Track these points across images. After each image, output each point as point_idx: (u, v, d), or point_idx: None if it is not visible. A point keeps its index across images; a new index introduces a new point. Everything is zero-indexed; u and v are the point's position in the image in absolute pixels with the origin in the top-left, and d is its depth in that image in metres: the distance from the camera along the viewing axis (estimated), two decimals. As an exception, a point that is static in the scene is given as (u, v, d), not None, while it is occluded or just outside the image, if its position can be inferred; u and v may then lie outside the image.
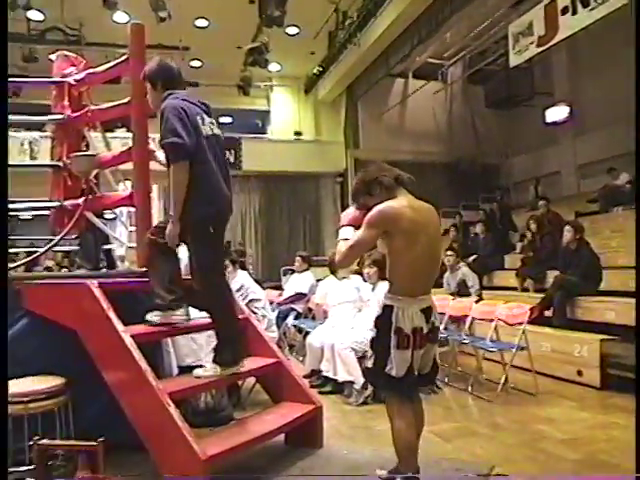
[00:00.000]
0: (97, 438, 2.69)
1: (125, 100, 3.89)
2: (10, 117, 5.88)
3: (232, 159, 14.81)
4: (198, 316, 4.11)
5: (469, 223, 11.22)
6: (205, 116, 3.25)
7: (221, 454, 2.83)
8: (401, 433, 2.67)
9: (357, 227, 2.74)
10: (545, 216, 8.45)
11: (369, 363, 2.80)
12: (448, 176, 14.47)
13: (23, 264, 3.73)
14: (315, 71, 14.39)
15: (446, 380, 5.42)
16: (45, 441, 2.78)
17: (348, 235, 2.77)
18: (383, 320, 2.66)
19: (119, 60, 3.99)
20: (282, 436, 3.59)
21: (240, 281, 5.06)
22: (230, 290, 3.49)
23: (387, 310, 2.66)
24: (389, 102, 14.30)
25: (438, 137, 14.72)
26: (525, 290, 7.74)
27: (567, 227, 6.49)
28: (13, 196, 4.76)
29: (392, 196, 2.72)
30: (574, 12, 6.87)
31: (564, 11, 7.04)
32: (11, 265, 3.62)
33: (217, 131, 3.32)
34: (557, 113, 12.39)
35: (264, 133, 16.48)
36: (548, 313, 6.28)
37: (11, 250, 6.84)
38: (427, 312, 2.68)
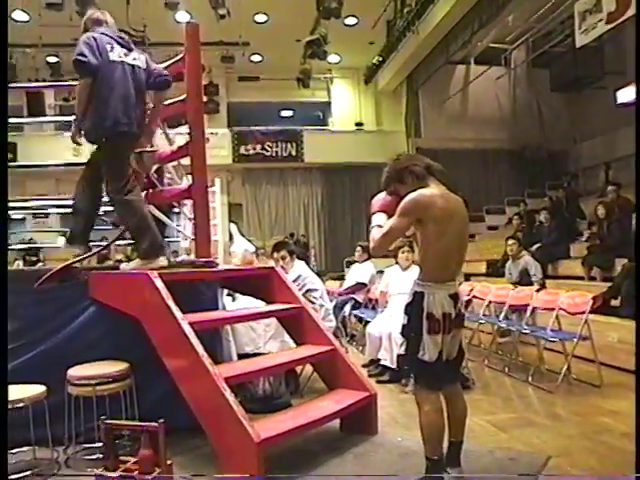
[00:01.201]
0: (159, 420, 2.86)
1: (182, 97, 4.03)
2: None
3: (294, 152, 15.02)
4: (254, 305, 4.26)
5: (534, 211, 10.89)
6: (117, 45, 3.73)
7: (274, 437, 2.92)
8: (429, 418, 2.70)
9: (389, 213, 2.77)
10: (615, 202, 8.10)
11: (402, 350, 2.84)
12: (512, 163, 14.11)
13: (86, 257, 3.95)
14: (374, 61, 14.31)
15: (506, 370, 5.34)
16: (111, 421, 2.98)
17: (381, 221, 2.80)
18: (414, 306, 2.71)
19: (176, 59, 4.14)
20: (337, 423, 3.67)
21: (297, 271, 5.15)
22: (140, 198, 3.87)
23: (418, 296, 2.71)
24: (450, 90, 14.07)
25: (502, 124, 14.36)
26: (592, 279, 7.46)
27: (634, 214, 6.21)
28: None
29: (423, 185, 2.76)
30: (648, -17, 6.51)
31: (638, -17, 6.67)
32: (77, 258, 3.84)
33: (136, 62, 3.81)
34: (629, 93, 11.78)
35: (325, 125, 16.57)
36: (615, 302, 6.04)
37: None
38: (455, 298, 2.73)
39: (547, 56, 12.84)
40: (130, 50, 3.81)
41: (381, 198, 2.92)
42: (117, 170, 3.74)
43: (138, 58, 3.85)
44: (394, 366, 5.01)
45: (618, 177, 11.10)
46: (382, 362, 5.21)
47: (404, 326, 2.82)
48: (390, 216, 2.75)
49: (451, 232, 2.69)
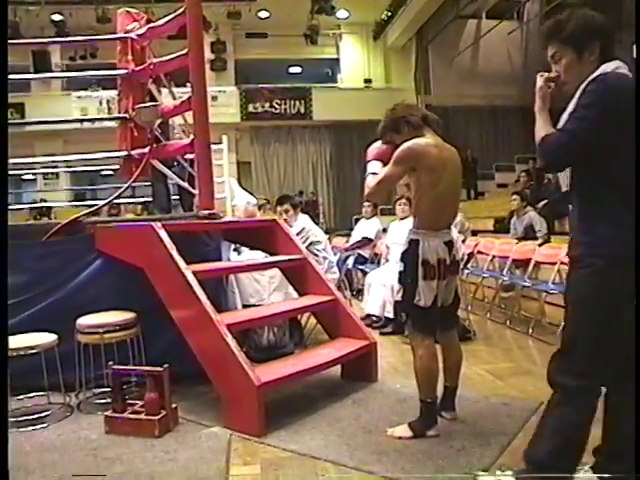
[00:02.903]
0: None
1: (183, 52, 4.03)
2: (82, 74, 6.19)
3: (302, 109, 14.92)
4: (258, 256, 4.34)
5: (543, 168, 10.81)
6: None
7: (274, 381, 3.02)
8: (423, 362, 2.79)
9: (384, 162, 2.81)
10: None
11: (398, 296, 2.91)
12: (523, 120, 13.90)
13: (90, 212, 4.03)
14: (383, 16, 14.09)
15: (508, 323, 5.42)
16: (118, 366, 3.11)
17: (376, 169, 2.86)
18: (410, 253, 2.79)
19: (177, 13, 4.12)
20: (339, 371, 3.78)
21: (301, 224, 5.21)
22: None
23: (413, 244, 2.78)
24: (461, 45, 13.84)
25: (513, 80, 14.11)
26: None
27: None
28: (92, 152, 5.13)
29: (419, 134, 2.80)
30: None
31: None
32: (83, 212, 3.93)
33: None
34: (646, 47, 11.52)
35: (334, 82, 16.39)
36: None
37: (92, 202, 7.34)
38: (449, 245, 2.81)
39: (561, 8, 12.46)
40: None
41: (377, 146, 2.96)
42: None
43: None
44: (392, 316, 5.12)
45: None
46: (386, 314, 5.31)
47: (400, 273, 2.89)
48: (385, 164, 2.79)
49: (445, 181, 2.74)
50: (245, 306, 4.41)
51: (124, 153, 4.47)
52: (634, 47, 11.52)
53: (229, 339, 2.99)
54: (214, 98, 12.86)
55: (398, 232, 5.57)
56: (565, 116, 1.96)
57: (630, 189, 1.81)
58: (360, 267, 7.18)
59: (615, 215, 1.85)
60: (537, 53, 14.20)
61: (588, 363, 1.92)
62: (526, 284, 5.45)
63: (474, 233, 8.96)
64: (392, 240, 5.70)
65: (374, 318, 5.48)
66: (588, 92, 1.85)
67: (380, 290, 5.41)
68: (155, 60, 4.40)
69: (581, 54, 1.94)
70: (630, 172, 1.81)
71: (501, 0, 12.35)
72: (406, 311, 2.91)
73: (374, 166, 2.88)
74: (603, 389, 2.00)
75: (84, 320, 3.35)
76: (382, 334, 5.11)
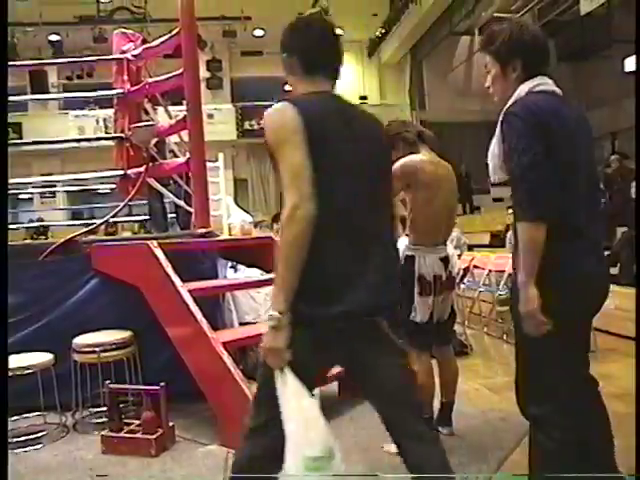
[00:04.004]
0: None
1: (179, 71, 4.08)
2: (78, 95, 6.23)
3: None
4: (255, 274, 4.35)
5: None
6: None
7: (271, 399, 3.01)
8: (419, 377, 2.77)
9: None
10: (618, 172, 8.10)
11: None
12: (518, 135, 14.01)
13: (87, 232, 4.05)
14: (378, 33, 14.24)
15: (504, 337, 5.43)
16: (115, 385, 3.10)
17: None
18: (406, 270, 2.78)
19: (172, 34, 4.18)
20: (335, 388, 3.77)
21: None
22: None
23: (409, 260, 2.80)
24: (454, 61, 13.96)
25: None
26: (594, 248, 7.49)
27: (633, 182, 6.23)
28: (88, 171, 5.16)
29: (414, 151, 2.84)
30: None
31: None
32: (78, 232, 3.94)
33: None
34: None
35: (329, 99, 16.51)
36: (614, 270, 6.08)
37: (89, 221, 7.35)
38: (445, 261, 2.82)
39: (553, 25, 12.64)
40: None
41: None
42: None
43: None
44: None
45: (624, 147, 11.05)
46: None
47: None
48: None
49: (440, 197, 2.77)
50: (242, 324, 4.41)
51: (120, 172, 4.50)
52: (625, 62, 11.69)
53: (225, 357, 3.00)
54: (210, 116, 12.92)
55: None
56: (494, 142, 1.90)
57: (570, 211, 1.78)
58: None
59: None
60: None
61: (546, 388, 1.85)
62: (522, 298, 5.46)
63: (470, 248, 9.00)
64: None
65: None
66: (506, 131, 1.79)
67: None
68: (151, 80, 4.46)
69: (504, 68, 1.93)
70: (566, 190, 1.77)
71: (493, 17, 12.48)
72: (401, 327, 2.91)
73: None
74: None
75: (80, 339, 3.35)
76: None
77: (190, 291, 3.24)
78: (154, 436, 2.92)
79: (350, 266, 1.60)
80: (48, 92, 12.90)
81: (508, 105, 1.85)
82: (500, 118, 1.84)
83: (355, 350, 1.67)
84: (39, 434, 3.25)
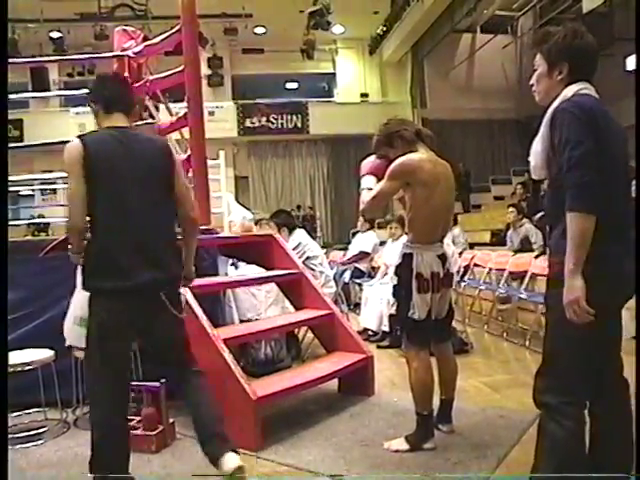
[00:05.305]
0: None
1: (180, 68, 4.08)
2: (79, 92, 6.24)
3: (299, 124, 15.01)
4: (255, 271, 4.36)
5: (540, 181, 10.85)
6: None
7: (272, 395, 3.04)
8: (418, 374, 2.80)
9: (378, 176, 2.84)
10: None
11: (393, 310, 2.92)
12: (519, 133, 14.01)
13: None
14: (379, 31, 14.22)
15: (505, 335, 5.44)
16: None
17: (370, 184, 2.90)
18: (404, 267, 2.82)
19: (173, 31, 4.17)
20: (336, 385, 3.78)
21: (297, 239, 5.23)
22: None
23: (407, 258, 2.81)
24: (456, 59, 13.97)
25: (508, 93, 14.25)
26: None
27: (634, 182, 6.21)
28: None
29: (412, 149, 2.84)
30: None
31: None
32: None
33: None
34: (638, 60, 11.60)
35: (330, 96, 16.50)
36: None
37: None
38: (442, 258, 2.83)
39: (555, 23, 12.62)
40: None
41: (370, 161, 3.00)
42: None
43: None
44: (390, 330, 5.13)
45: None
46: (383, 328, 5.32)
47: (395, 287, 2.91)
48: (379, 179, 2.83)
49: (438, 196, 2.77)
50: (242, 321, 4.42)
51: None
52: (626, 60, 11.67)
53: (226, 354, 3.00)
54: (211, 113, 12.91)
55: (393, 252, 5.61)
56: (537, 140, 1.95)
57: (612, 211, 1.82)
58: (357, 281, 7.19)
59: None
60: (531, 67, 14.32)
61: (567, 379, 1.90)
62: (523, 296, 5.47)
63: (471, 246, 9.01)
64: (388, 260, 5.73)
65: (371, 332, 5.50)
66: (559, 126, 1.84)
67: (377, 304, 5.42)
68: (152, 77, 4.45)
69: (551, 69, 1.98)
70: (609, 190, 1.81)
71: (495, 15, 12.48)
72: (400, 324, 2.92)
73: (368, 181, 2.91)
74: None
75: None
76: (379, 347, 5.12)
77: (191, 288, 3.23)
78: (154, 432, 2.93)
79: (132, 253, 2.22)
80: (49, 89, 12.88)
81: (557, 104, 1.90)
82: (548, 116, 1.90)
83: (142, 315, 2.28)
84: (40, 430, 3.25)
